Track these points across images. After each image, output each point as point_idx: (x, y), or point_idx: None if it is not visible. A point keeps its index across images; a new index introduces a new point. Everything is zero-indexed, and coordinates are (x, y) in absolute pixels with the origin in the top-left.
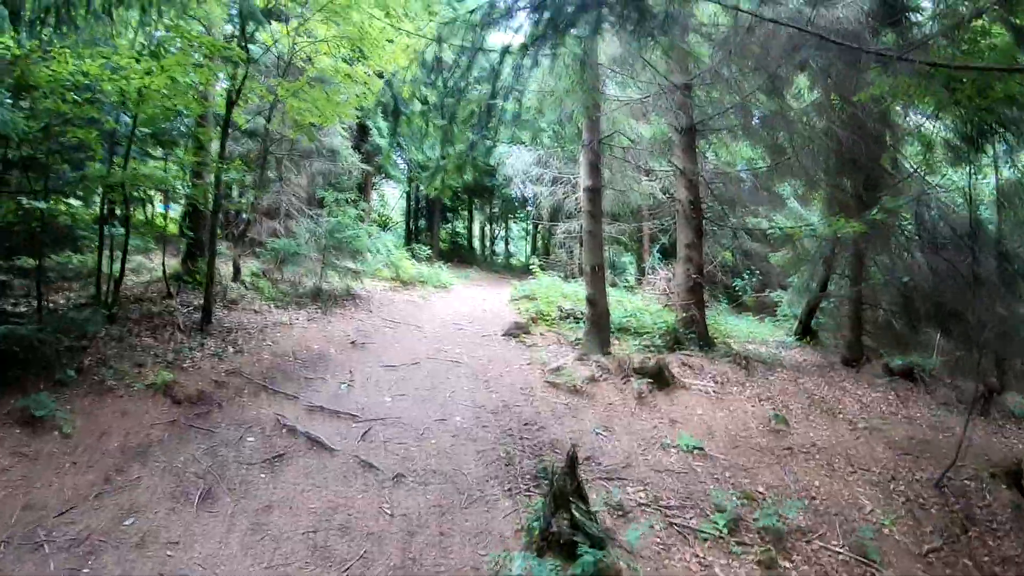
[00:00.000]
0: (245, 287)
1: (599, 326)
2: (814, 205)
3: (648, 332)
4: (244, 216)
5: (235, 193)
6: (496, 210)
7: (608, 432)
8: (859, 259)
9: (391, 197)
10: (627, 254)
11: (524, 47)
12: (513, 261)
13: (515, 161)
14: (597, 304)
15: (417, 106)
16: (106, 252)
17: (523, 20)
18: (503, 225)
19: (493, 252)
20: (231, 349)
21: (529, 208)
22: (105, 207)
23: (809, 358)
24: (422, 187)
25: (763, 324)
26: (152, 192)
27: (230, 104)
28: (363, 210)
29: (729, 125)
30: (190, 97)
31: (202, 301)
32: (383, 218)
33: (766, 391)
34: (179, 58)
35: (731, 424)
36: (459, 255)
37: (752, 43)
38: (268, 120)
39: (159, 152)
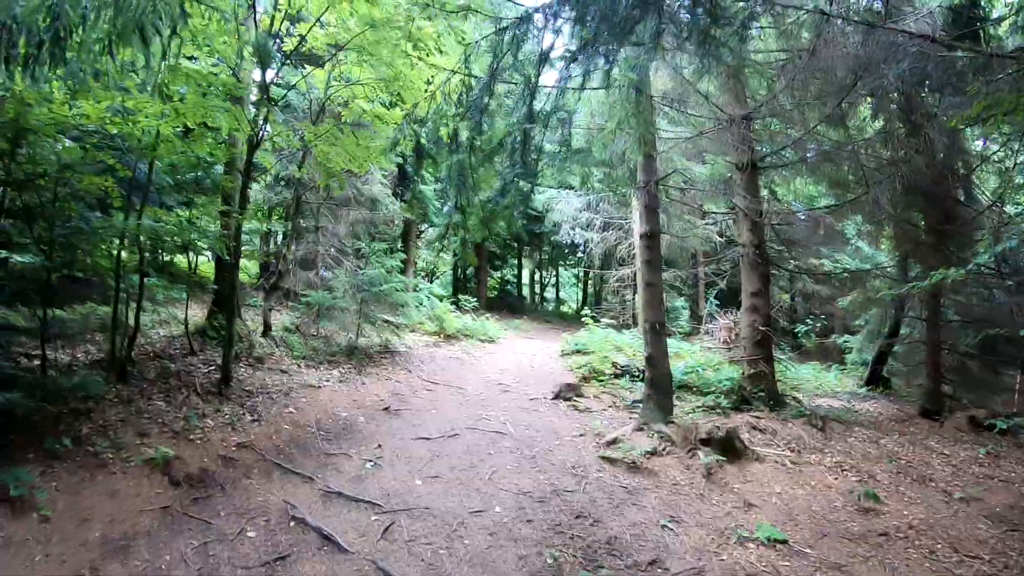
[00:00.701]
0: (275, 343)
1: (661, 390)
2: (880, 242)
3: (711, 390)
4: (276, 267)
5: (267, 243)
6: (545, 257)
7: (675, 524)
8: (935, 299)
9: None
10: (680, 299)
11: (571, 56)
12: (564, 309)
13: (563, 206)
14: (658, 365)
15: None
16: (133, 304)
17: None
18: (552, 272)
19: (543, 300)
20: (248, 417)
21: (580, 254)
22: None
23: (884, 410)
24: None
25: (829, 372)
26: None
27: (251, 148)
28: (403, 260)
29: (791, 160)
30: (209, 143)
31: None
32: (429, 267)
33: (847, 458)
34: (194, 100)
35: (815, 504)
36: (508, 304)
37: (816, 67)
38: (300, 166)
39: (178, 200)
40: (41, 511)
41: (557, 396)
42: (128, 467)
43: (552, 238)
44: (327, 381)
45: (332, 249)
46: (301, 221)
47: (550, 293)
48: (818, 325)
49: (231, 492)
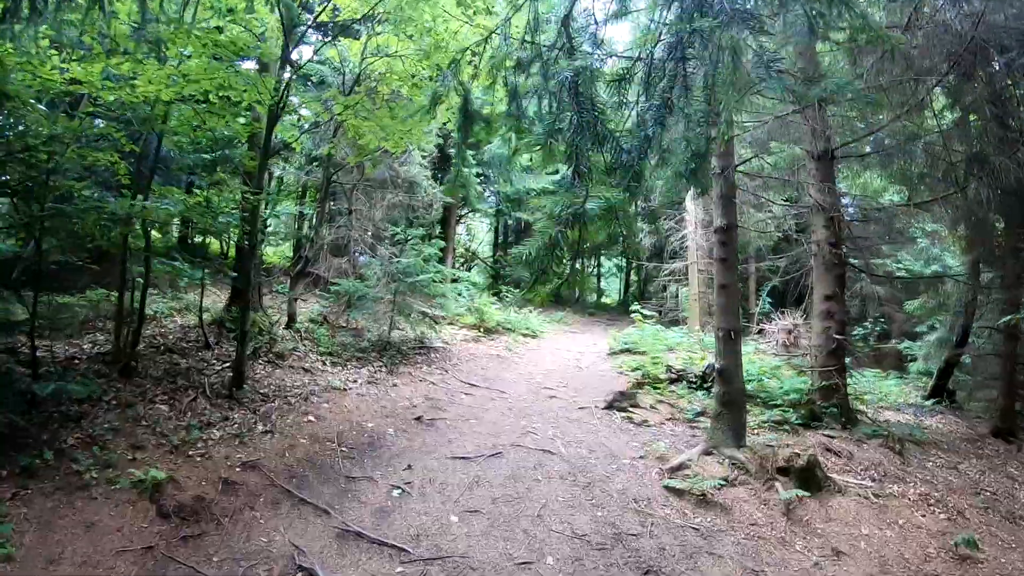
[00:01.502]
0: (299, 336)
1: (733, 408)
2: (945, 242)
3: (777, 402)
4: (303, 253)
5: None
6: (587, 245)
7: None
8: (1015, 307)
9: (479, 231)
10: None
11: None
12: (606, 300)
13: None
14: (732, 380)
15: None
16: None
17: None
18: (595, 262)
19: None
20: (260, 427)
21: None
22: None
23: (954, 428)
24: (510, 220)
25: (887, 380)
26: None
27: (272, 119)
28: (442, 248)
29: (871, 151)
30: (226, 115)
31: (247, 349)
32: (469, 254)
33: (932, 489)
34: (201, 64)
35: (907, 551)
36: (548, 294)
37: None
38: (329, 144)
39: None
40: (3, 548)
41: (610, 405)
42: (112, 491)
43: None
44: (354, 383)
45: (367, 234)
46: (332, 204)
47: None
48: (877, 329)
49: (229, 529)
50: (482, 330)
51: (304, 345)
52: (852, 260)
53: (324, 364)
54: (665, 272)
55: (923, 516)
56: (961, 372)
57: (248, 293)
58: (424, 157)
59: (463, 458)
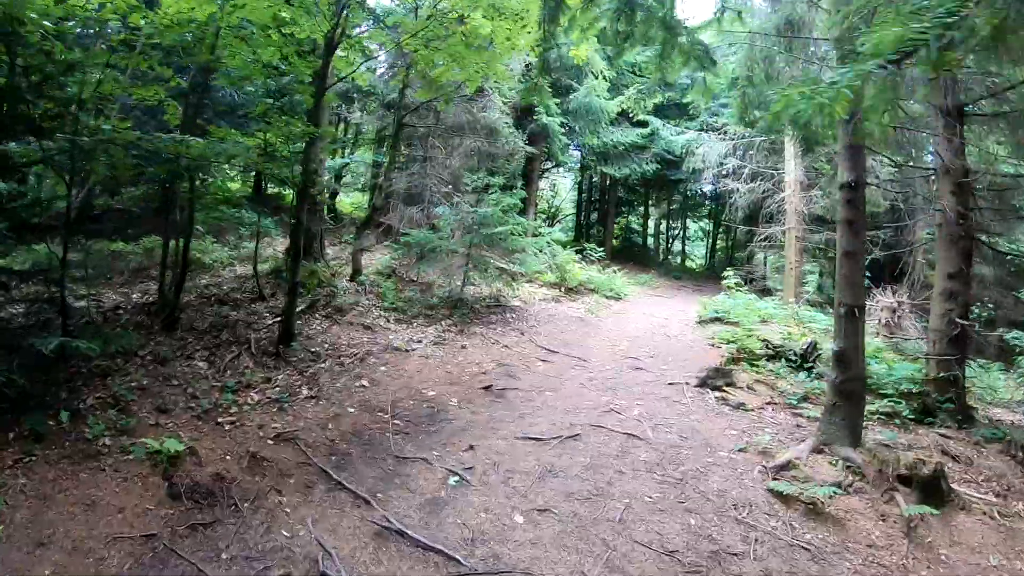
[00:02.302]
0: (363, 290)
1: (851, 400)
2: None
3: (887, 391)
4: (372, 202)
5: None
6: (675, 206)
7: None
8: None
9: (562, 187)
10: (812, 262)
11: None
12: (691, 264)
13: (705, 150)
14: (851, 365)
15: None
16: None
17: None
18: (680, 224)
19: (669, 253)
20: (304, 391)
21: (710, 205)
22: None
23: None
24: (595, 176)
25: (991, 372)
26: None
27: (329, 48)
28: (523, 200)
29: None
30: (275, 44)
31: (304, 302)
32: (553, 209)
33: None
34: None
35: None
36: (632, 255)
37: None
38: (402, 80)
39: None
40: None
41: (703, 383)
42: (123, 462)
43: (687, 186)
44: (418, 343)
45: (443, 183)
46: (405, 149)
47: (674, 246)
48: (983, 315)
49: (248, 517)
50: (563, 290)
51: (368, 299)
52: (980, 236)
53: (387, 321)
54: (760, 237)
55: None
56: None
57: (299, 239)
58: (506, 102)
59: (535, 439)
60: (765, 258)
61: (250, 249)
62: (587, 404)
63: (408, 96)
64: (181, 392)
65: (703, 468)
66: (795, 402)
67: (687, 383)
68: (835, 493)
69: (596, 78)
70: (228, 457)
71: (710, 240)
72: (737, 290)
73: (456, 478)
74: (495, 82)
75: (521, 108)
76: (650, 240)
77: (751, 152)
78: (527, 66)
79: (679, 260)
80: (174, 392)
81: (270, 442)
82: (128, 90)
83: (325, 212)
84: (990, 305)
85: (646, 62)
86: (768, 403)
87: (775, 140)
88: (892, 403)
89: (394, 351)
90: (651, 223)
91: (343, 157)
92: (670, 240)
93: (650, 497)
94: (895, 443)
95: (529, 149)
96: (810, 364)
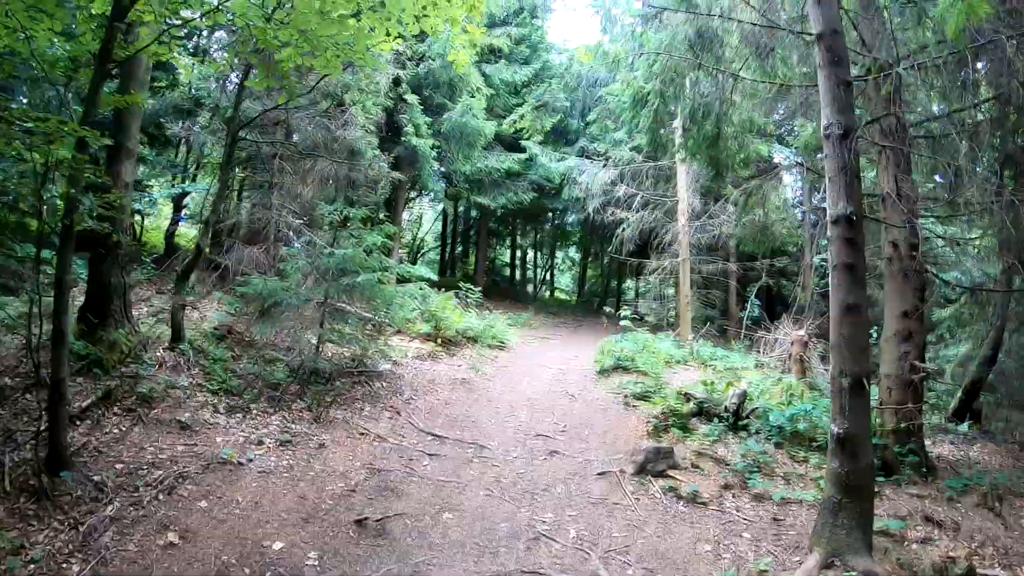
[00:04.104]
0: (187, 362)
1: (860, 496)
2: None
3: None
4: (201, 243)
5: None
6: (545, 236)
7: None
8: None
9: (426, 217)
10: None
11: None
12: (561, 296)
13: (589, 178)
14: (860, 454)
15: None
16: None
17: None
18: (549, 254)
19: (542, 286)
20: (75, 569)
21: (580, 234)
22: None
23: (1000, 459)
24: (463, 206)
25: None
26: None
27: (119, 8)
28: (391, 235)
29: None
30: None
31: (97, 390)
32: (417, 242)
33: None
34: None
35: None
36: (502, 290)
37: None
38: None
39: None
40: None
41: (642, 469)
42: None
43: (561, 216)
44: (258, 446)
45: (294, 216)
46: (243, 173)
47: (539, 275)
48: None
49: None
50: (439, 341)
51: (190, 379)
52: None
53: (215, 411)
54: (653, 270)
55: None
56: (987, 391)
57: (63, 307)
58: (369, 119)
59: None
60: (645, 291)
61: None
62: (503, 531)
63: (247, 103)
64: None
65: None
66: (751, 478)
67: (622, 471)
68: None
69: (473, 96)
70: None
71: (579, 270)
72: (632, 330)
73: None
74: (360, 90)
75: (387, 127)
76: (518, 272)
77: (640, 179)
78: (395, 80)
79: (548, 292)
80: None
81: None
82: None
83: (134, 252)
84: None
85: (526, 81)
86: (724, 486)
87: (666, 167)
88: None
89: (221, 467)
90: (520, 254)
91: (185, 184)
92: (546, 272)
93: None
94: (911, 529)
95: (396, 175)
96: (745, 421)
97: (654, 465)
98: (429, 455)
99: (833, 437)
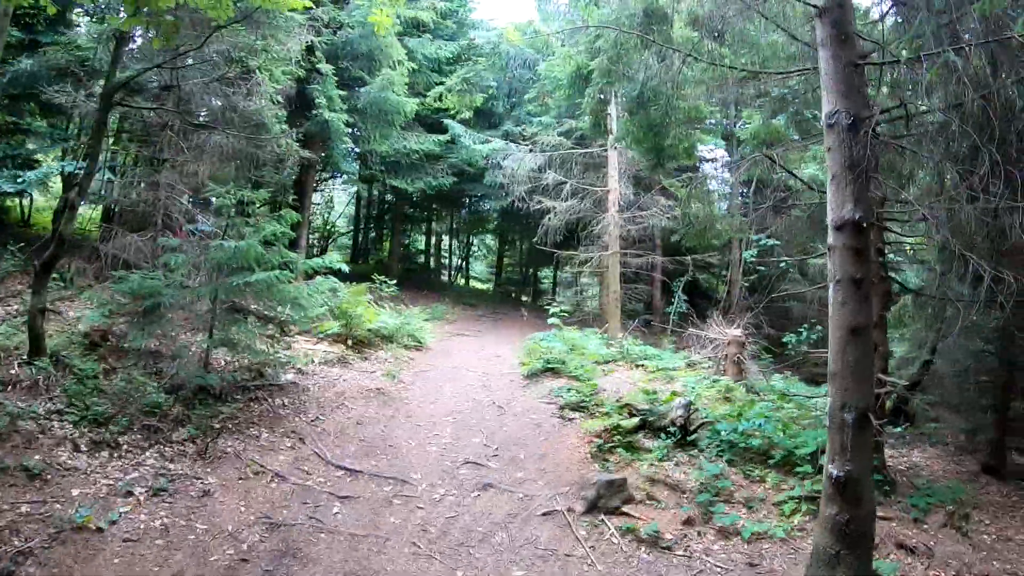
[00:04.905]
0: (47, 380)
1: (860, 545)
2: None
3: (800, 467)
4: (59, 231)
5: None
6: (461, 223)
7: None
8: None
9: (338, 200)
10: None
11: None
12: (476, 285)
13: (514, 164)
14: (862, 500)
15: None
16: None
17: None
18: (465, 241)
19: (457, 274)
20: None
21: (497, 221)
22: None
23: (940, 464)
24: (378, 190)
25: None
26: None
27: None
28: (296, 223)
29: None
30: None
31: None
32: (328, 227)
33: None
34: None
35: None
36: (416, 278)
37: None
38: None
39: None
40: None
41: (593, 507)
42: None
43: (480, 202)
44: (125, 499)
45: (185, 197)
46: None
47: (448, 263)
48: (813, 337)
49: None
50: (350, 343)
51: (47, 404)
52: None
53: (76, 449)
54: (579, 262)
55: None
56: (924, 393)
57: None
58: (276, 89)
59: None
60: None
61: None
62: None
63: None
64: None
65: None
66: (713, 510)
67: (570, 509)
68: None
69: (394, 69)
70: None
71: (496, 258)
72: (560, 327)
73: None
74: (267, 54)
75: (298, 100)
76: (432, 260)
77: (568, 167)
78: (308, 48)
79: (464, 280)
80: None
81: None
82: None
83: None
84: (818, 325)
85: (451, 58)
86: (685, 522)
87: (596, 154)
88: (811, 484)
89: (76, 534)
90: (435, 240)
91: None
92: (462, 260)
93: None
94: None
95: (305, 154)
96: (693, 435)
97: (607, 501)
98: (340, 498)
99: (831, 480)
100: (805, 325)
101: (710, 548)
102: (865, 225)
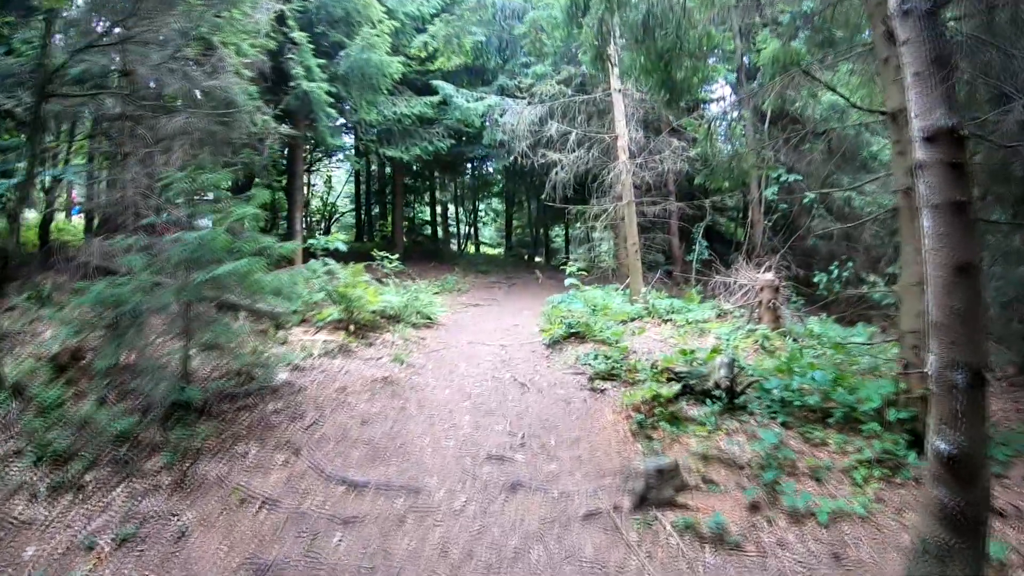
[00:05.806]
0: (8, 413)
1: (972, 535)
2: None
3: (865, 425)
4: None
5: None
6: (465, 188)
7: None
8: None
9: (338, 180)
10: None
11: None
12: (488, 251)
13: (512, 119)
14: (976, 479)
15: None
16: None
17: None
18: (472, 207)
19: (466, 242)
20: None
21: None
22: None
23: (1001, 404)
24: (375, 163)
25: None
26: None
27: None
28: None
29: None
30: None
31: None
32: (328, 208)
33: None
34: None
35: None
36: (424, 251)
37: None
38: None
39: None
40: None
41: (643, 500)
42: None
43: (483, 164)
44: (87, 554)
45: (150, 192)
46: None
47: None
48: (845, 274)
49: None
50: (352, 329)
51: (5, 442)
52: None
53: (33, 497)
54: (592, 215)
55: None
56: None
57: None
58: (247, 63)
59: None
60: (589, 237)
61: None
62: None
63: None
64: None
65: None
66: (776, 487)
67: (616, 507)
68: None
69: (374, 27)
70: None
71: (504, 221)
72: (578, 287)
73: None
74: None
75: (273, 74)
76: (440, 230)
77: (571, 116)
78: (278, 18)
79: (474, 247)
80: None
81: None
82: None
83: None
84: (848, 260)
85: (434, 13)
86: (751, 508)
87: (599, 99)
88: (867, 442)
89: None
90: (440, 210)
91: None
92: (469, 227)
93: None
94: None
95: (286, 130)
96: (741, 397)
97: (658, 492)
98: (342, 522)
99: (939, 456)
100: (835, 263)
101: (784, 539)
102: (956, 134)
